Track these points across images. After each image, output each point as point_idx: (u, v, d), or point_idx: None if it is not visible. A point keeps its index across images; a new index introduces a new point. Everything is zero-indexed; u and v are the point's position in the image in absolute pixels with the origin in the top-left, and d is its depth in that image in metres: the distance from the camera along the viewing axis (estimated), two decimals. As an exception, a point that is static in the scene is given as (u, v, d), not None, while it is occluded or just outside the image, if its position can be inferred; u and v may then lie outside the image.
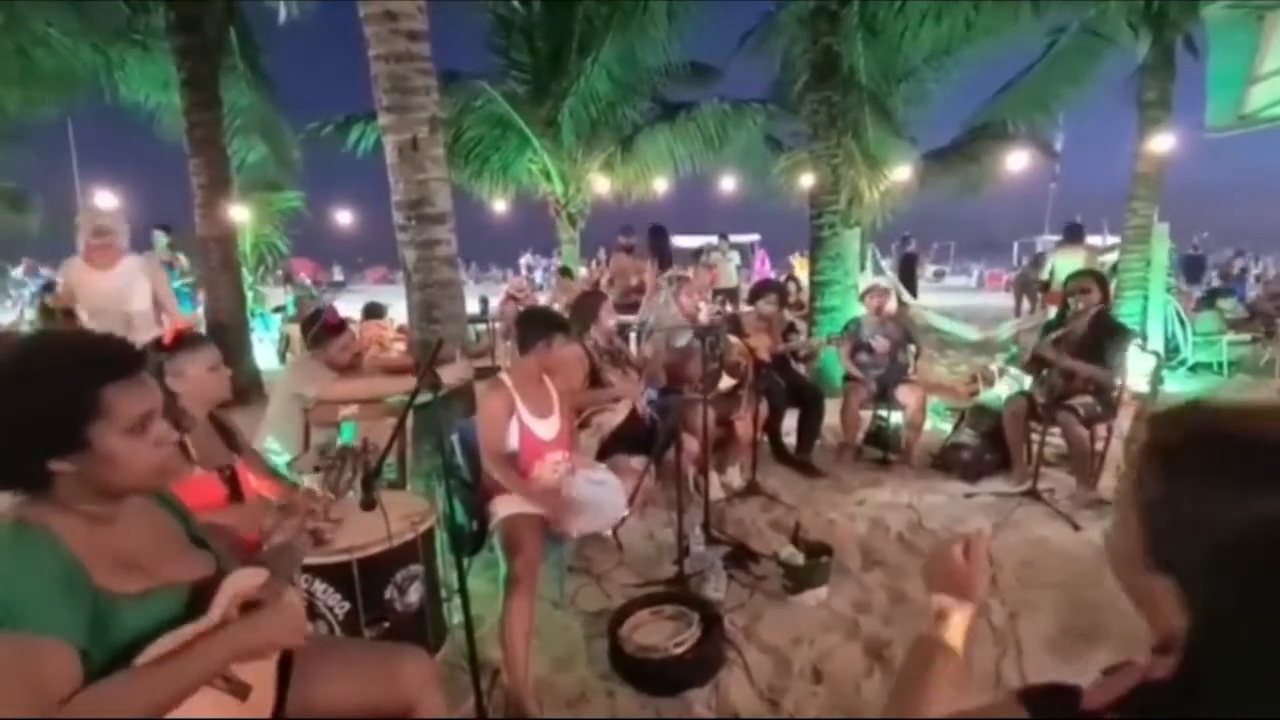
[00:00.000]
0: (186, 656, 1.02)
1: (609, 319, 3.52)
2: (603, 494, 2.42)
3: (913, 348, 4.55)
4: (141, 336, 3.32)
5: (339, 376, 2.80)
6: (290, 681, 1.27)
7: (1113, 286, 7.04)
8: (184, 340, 1.92)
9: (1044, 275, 7.76)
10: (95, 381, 1.00)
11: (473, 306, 9.05)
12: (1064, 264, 6.67)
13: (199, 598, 1.11)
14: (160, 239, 7.48)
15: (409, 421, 2.69)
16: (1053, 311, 4.45)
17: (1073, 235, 7.42)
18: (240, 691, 1.10)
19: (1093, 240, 9.68)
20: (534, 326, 2.55)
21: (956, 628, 0.86)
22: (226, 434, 1.96)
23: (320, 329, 2.88)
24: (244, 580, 1.16)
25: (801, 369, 4.74)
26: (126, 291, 3.60)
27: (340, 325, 2.95)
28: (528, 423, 2.45)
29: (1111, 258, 7.49)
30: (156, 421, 1.07)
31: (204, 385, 1.91)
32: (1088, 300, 3.56)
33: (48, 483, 1.00)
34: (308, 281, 13.63)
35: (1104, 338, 3.57)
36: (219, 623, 1.08)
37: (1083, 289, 3.58)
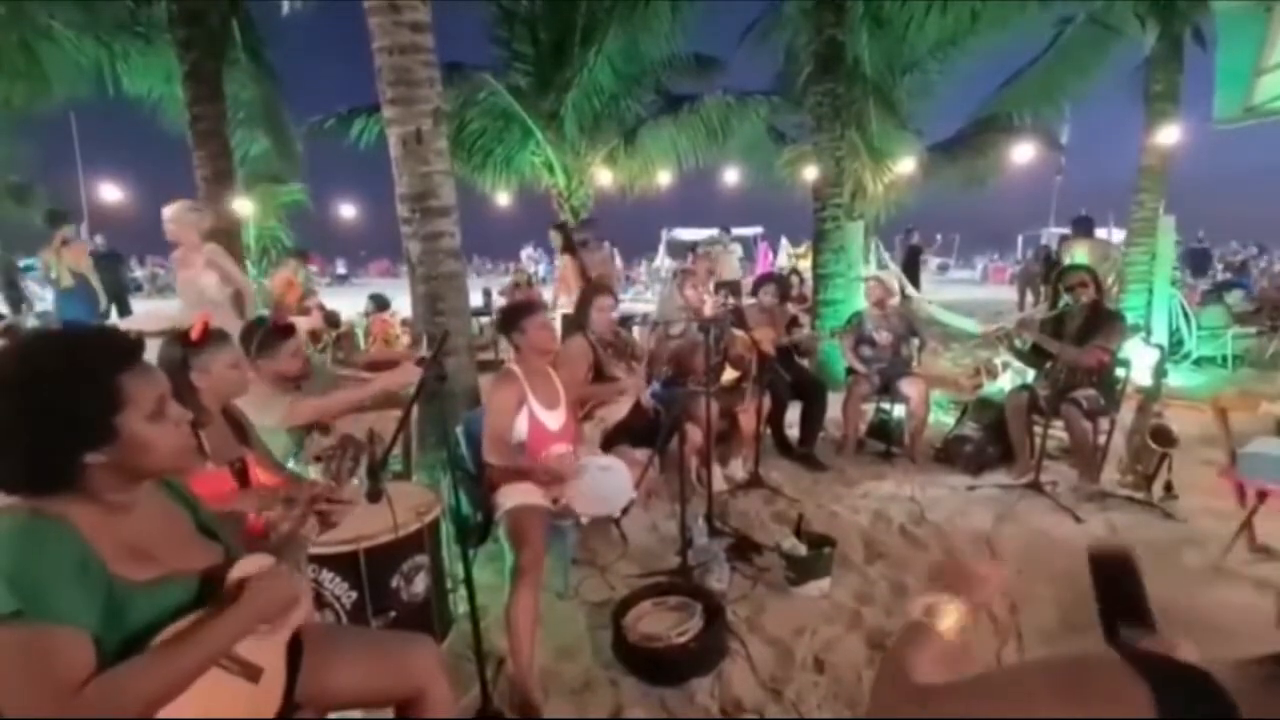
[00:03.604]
0: (194, 637, 1.04)
1: (608, 312, 3.52)
2: (610, 479, 2.45)
3: (916, 341, 4.54)
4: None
5: (297, 396, 2.42)
6: (300, 667, 1.29)
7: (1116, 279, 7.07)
8: (211, 336, 1.89)
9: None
10: (111, 372, 1.03)
11: (476, 299, 9.07)
12: (1081, 258, 6.39)
13: (208, 586, 1.12)
14: None
15: (414, 413, 2.68)
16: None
17: (1081, 228, 7.23)
18: (252, 674, 1.13)
19: (1098, 233, 9.59)
20: (505, 321, 2.68)
21: (947, 621, 0.90)
22: (237, 427, 1.97)
23: (268, 333, 2.45)
24: (249, 566, 1.17)
25: (804, 362, 4.74)
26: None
27: (290, 328, 2.60)
28: (537, 414, 2.48)
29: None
30: (170, 403, 1.11)
31: (224, 381, 1.90)
32: (1085, 295, 3.57)
33: (80, 477, 1.02)
34: (314, 271, 13.45)
35: (1099, 325, 3.58)
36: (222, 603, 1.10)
37: (1080, 283, 3.59)
